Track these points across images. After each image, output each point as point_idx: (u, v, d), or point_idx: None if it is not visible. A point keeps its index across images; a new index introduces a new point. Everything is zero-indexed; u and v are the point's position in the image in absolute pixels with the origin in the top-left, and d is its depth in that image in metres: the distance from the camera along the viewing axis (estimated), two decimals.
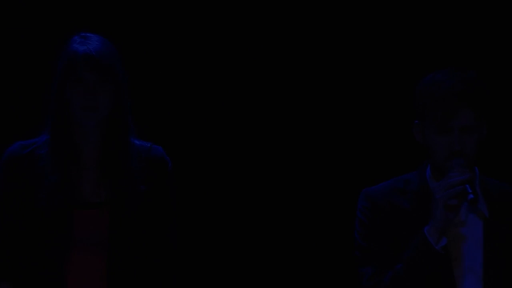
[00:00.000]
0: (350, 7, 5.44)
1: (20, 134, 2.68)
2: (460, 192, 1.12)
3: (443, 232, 1.12)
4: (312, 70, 3.76)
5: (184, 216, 3.91)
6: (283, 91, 4.35)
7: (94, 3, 5.23)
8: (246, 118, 3.50)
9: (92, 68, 1.47)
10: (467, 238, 1.16)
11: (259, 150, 3.45)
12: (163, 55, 4.17)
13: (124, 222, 1.45)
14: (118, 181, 1.46)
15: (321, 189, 3.23)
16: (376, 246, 1.17)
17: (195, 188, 3.53)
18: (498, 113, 2.03)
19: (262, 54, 4.65)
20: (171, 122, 4.33)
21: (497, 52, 5.50)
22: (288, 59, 4.55)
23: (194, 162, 4.12)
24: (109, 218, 1.45)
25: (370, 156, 2.96)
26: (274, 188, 3.22)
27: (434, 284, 1.12)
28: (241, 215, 3.30)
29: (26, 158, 1.50)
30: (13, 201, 1.46)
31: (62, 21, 5.00)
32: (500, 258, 1.16)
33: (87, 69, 1.47)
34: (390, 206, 1.18)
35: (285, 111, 3.61)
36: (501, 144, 2.46)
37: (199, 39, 4.99)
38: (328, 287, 3.42)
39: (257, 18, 5.03)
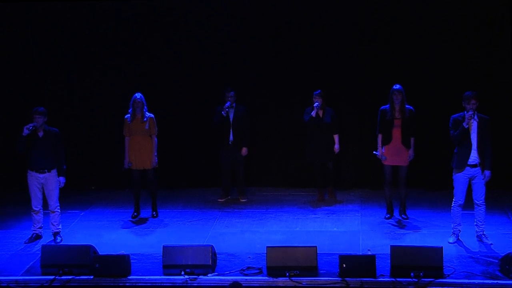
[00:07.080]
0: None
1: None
2: (471, 114, 5.30)
3: (467, 124, 5.32)
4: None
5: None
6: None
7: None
8: None
9: None
10: (473, 126, 5.33)
11: None
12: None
13: None
14: None
15: None
16: (453, 128, 5.42)
17: None
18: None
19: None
20: None
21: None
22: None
23: None
24: None
25: None
26: None
27: (465, 139, 5.34)
28: None
29: None
30: None
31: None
32: (480, 134, 5.34)
33: None
34: (460, 119, 5.35)
35: None
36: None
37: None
38: None
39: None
